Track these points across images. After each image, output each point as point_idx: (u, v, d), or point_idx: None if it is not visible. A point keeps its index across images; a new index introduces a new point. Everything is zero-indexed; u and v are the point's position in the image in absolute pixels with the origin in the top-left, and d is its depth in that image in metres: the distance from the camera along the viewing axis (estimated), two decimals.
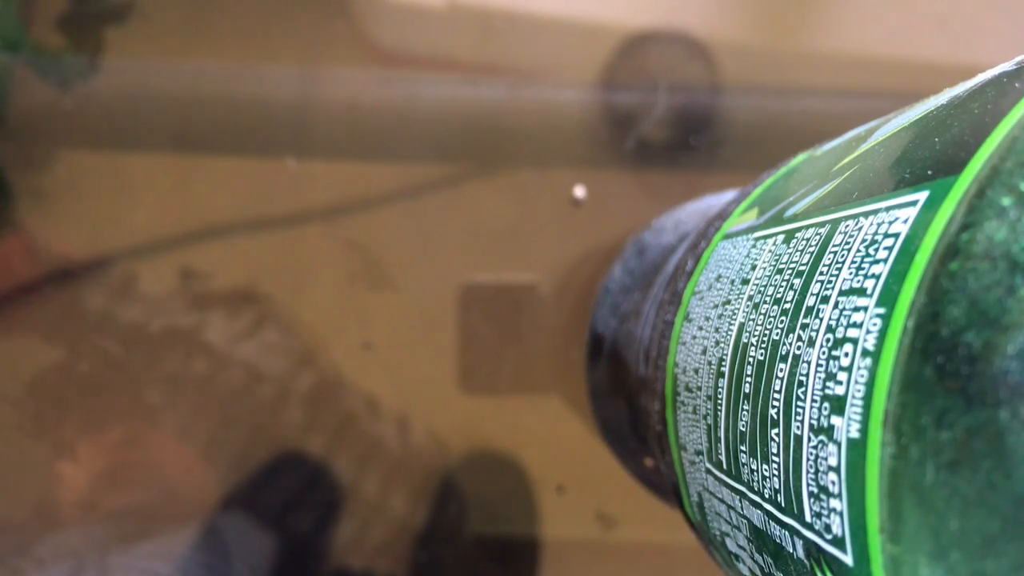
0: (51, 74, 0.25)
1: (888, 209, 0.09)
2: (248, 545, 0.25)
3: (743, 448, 0.10)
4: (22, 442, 0.25)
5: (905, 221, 0.08)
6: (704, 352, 0.12)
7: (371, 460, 0.26)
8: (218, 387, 0.26)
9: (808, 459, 0.09)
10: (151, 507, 0.25)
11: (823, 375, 0.09)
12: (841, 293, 0.09)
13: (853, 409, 0.08)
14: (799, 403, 0.09)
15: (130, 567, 0.25)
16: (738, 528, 0.11)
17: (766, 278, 0.11)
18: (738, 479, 0.11)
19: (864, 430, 0.08)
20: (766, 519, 0.10)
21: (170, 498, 0.26)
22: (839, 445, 0.08)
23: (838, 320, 0.09)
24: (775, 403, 0.10)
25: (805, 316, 0.09)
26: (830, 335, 0.09)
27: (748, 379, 0.10)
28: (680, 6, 0.27)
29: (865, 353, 0.08)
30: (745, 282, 0.12)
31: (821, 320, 0.09)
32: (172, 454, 0.25)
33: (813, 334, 0.09)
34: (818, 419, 0.09)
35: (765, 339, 0.10)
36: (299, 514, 0.26)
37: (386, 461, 0.26)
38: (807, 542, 0.09)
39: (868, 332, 0.08)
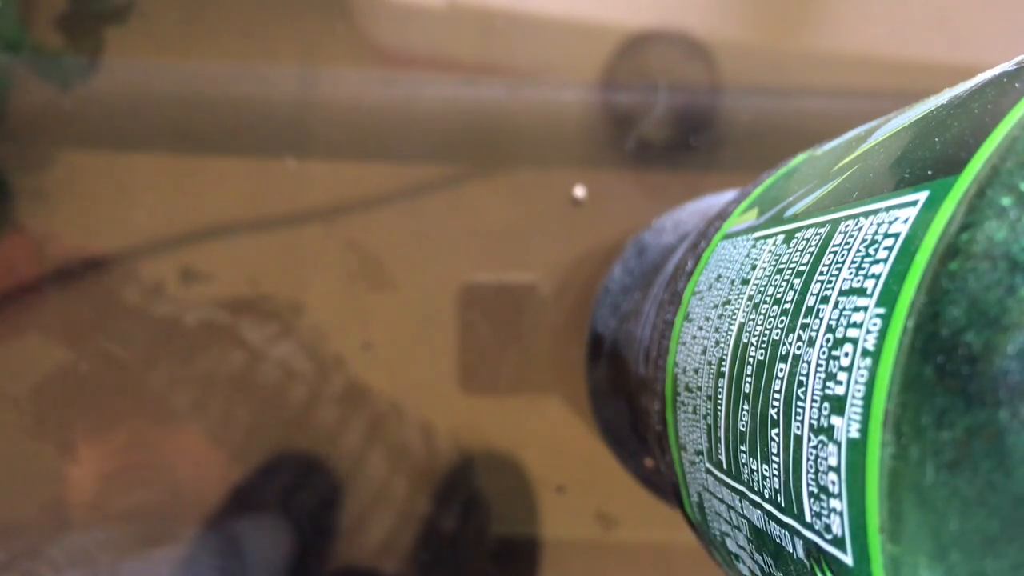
0: (51, 74, 0.25)
1: (888, 209, 0.09)
2: (264, 546, 0.25)
3: (743, 448, 0.10)
4: (27, 444, 0.25)
5: (905, 221, 0.08)
6: (704, 352, 0.12)
7: (399, 464, 0.26)
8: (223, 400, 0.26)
9: (808, 459, 0.09)
10: (161, 508, 0.25)
11: (823, 375, 0.09)
12: (841, 293, 0.09)
13: (853, 409, 0.08)
14: (799, 403, 0.09)
15: (145, 572, 0.25)
16: (738, 528, 0.11)
17: (766, 278, 0.11)
18: (738, 479, 0.11)
19: (864, 430, 0.08)
20: (766, 519, 0.10)
21: (179, 499, 0.26)
22: (839, 445, 0.08)
23: (838, 320, 0.09)
24: (775, 403, 0.10)
25: (805, 316, 0.09)
26: (830, 335, 0.09)
27: (748, 379, 0.10)
28: (680, 6, 0.27)
29: (865, 353, 0.08)
30: (745, 282, 0.12)
31: (821, 320, 0.09)
32: (182, 454, 0.25)
33: (813, 334, 0.09)
34: (818, 419, 0.09)
35: (765, 339, 0.10)
36: (313, 512, 0.26)
37: (410, 466, 0.26)
38: (807, 542, 0.09)
39: (868, 332, 0.08)
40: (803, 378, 0.09)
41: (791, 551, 0.09)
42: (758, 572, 0.11)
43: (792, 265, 0.10)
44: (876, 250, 0.08)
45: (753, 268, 0.11)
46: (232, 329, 0.26)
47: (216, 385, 0.26)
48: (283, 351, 0.26)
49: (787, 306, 0.10)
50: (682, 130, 0.27)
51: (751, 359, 0.10)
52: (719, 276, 0.13)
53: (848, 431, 0.08)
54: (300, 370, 0.26)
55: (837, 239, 0.09)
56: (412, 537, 0.26)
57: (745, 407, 0.10)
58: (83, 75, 0.25)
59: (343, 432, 0.26)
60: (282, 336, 0.26)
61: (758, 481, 0.10)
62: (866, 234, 0.09)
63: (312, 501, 0.26)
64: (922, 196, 0.08)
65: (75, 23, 0.25)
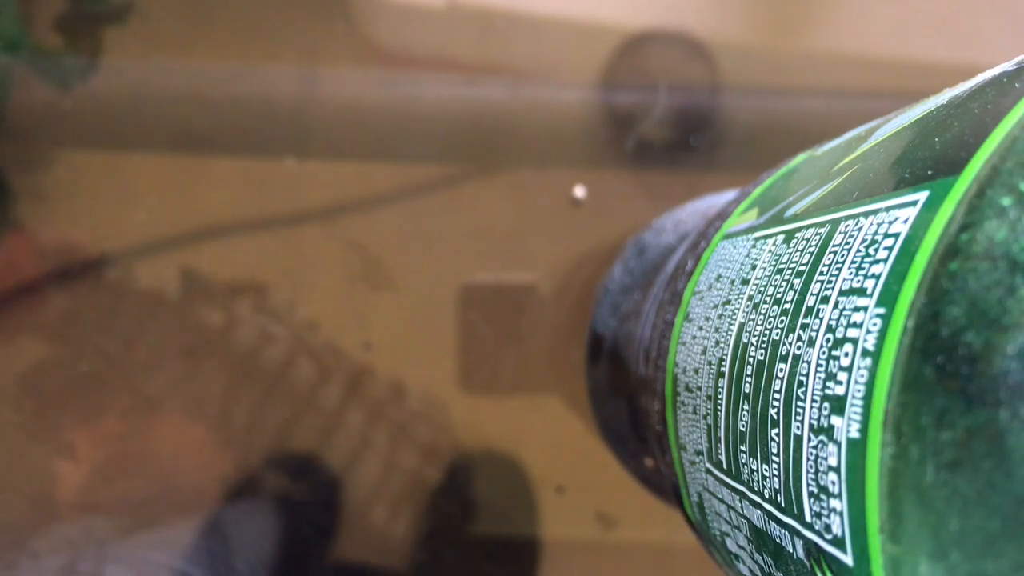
0: (51, 74, 0.25)
1: (888, 209, 0.09)
2: (249, 529, 0.25)
3: (743, 448, 0.10)
4: (17, 439, 0.25)
5: (905, 221, 0.08)
6: (704, 352, 0.12)
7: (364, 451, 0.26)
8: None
9: (808, 459, 0.09)
10: (149, 499, 0.25)
11: (823, 375, 0.09)
12: (841, 293, 0.09)
13: (853, 409, 0.08)
14: (799, 403, 0.09)
15: (128, 556, 0.25)
16: (738, 528, 0.11)
17: (766, 278, 0.11)
18: (738, 479, 0.11)
19: (864, 430, 0.08)
20: (766, 519, 0.10)
21: (168, 490, 0.26)
22: (839, 445, 0.08)
23: (838, 320, 0.09)
24: (775, 403, 0.10)
25: (805, 316, 0.09)
26: (830, 335, 0.09)
27: (748, 379, 0.10)
28: (680, 6, 0.27)
29: (865, 353, 0.08)
30: (745, 282, 0.12)
31: (821, 320, 0.09)
32: (168, 444, 0.25)
33: (813, 334, 0.09)
34: (818, 419, 0.09)
35: (765, 339, 0.10)
36: (311, 510, 0.26)
37: (408, 464, 0.26)
38: (807, 542, 0.09)
39: (868, 332, 0.08)
40: (803, 378, 0.09)
41: (791, 551, 0.09)
42: (758, 572, 0.11)
43: (792, 265, 0.10)
44: (876, 250, 0.08)
45: (753, 268, 0.11)
46: (230, 326, 0.26)
47: (214, 381, 0.26)
48: (282, 349, 0.26)
49: (787, 306, 0.10)
50: (682, 130, 0.27)
51: (751, 359, 0.10)
52: (719, 276, 0.13)
53: (848, 431, 0.08)
54: (300, 369, 0.26)
55: (837, 239, 0.09)
56: (411, 536, 0.26)
57: (745, 407, 0.10)
58: (83, 75, 0.25)
59: (341, 430, 0.26)
60: (282, 335, 0.26)
61: (758, 481, 0.10)
62: (866, 234, 0.09)
63: (310, 499, 0.26)
64: (922, 196, 0.08)
65: (74, 23, 0.25)
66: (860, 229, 0.09)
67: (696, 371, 0.12)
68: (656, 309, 0.17)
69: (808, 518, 0.09)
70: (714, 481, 0.12)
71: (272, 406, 0.26)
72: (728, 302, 0.12)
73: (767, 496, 0.10)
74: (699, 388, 0.12)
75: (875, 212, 0.09)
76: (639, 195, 0.27)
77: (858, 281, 0.08)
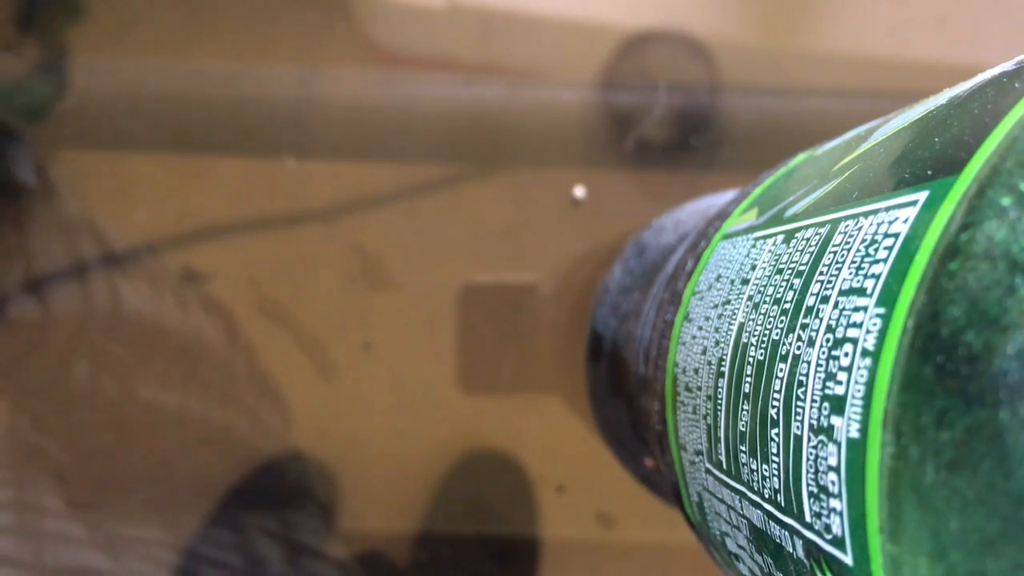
0: (19, 105, 0.24)
1: (888, 209, 0.09)
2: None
3: (743, 448, 0.10)
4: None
5: (905, 221, 0.08)
6: (704, 352, 0.12)
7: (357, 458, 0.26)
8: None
9: (808, 459, 0.09)
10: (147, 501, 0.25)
11: (823, 375, 0.09)
12: (841, 293, 0.09)
13: (853, 409, 0.08)
14: (799, 403, 0.09)
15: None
16: (738, 528, 0.11)
17: (766, 278, 0.11)
18: (738, 479, 0.11)
19: (864, 430, 0.08)
20: (766, 519, 0.10)
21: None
22: (839, 445, 0.08)
23: (838, 320, 0.09)
24: (775, 403, 0.10)
25: (805, 316, 0.09)
26: (830, 335, 0.09)
27: (748, 379, 0.10)
28: (680, 6, 0.27)
29: (865, 353, 0.08)
30: (745, 282, 0.12)
31: (821, 320, 0.09)
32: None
33: (813, 334, 0.09)
34: (818, 419, 0.09)
35: (765, 339, 0.10)
36: (301, 494, 0.26)
37: (410, 465, 0.26)
38: (807, 542, 0.09)
39: (868, 332, 0.08)
40: (803, 378, 0.09)
41: (791, 551, 0.09)
42: (758, 572, 0.11)
43: (792, 265, 0.10)
44: (876, 250, 0.08)
45: (753, 268, 0.11)
46: (230, 326, 0.26)
47: (213, 381, 0.26)
48: (280, 348, 0.26)
49: (787, 306, 0.10)
50: (682, 130, 0.27)
51: (751, 359, 0.10)
52: (719, 276, 0.13)
53: (848, 431, 0.08)
54: (297, 367, 0.26)
55: (837, 239, 0.09)
56: (411, 536, 0.26)
57: (745, 407, 0.10)
58: (55, 95, 0.25)
59: (340, 428, 0.26)
60: (279, 334, 0.26)
61: (758, 481, 0.10)
62: (866, 234, 0.09)
63: (310, 499, 0.26)
64: (922, 196, 0.08)
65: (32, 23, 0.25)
66: (860, 229, 0.09)
67: (696, 371, 0.12)
68: (656, 309, 0.17)
69: (808, 518, 0.09)
70: (714, 481, 0.12)
71: (270, 405, 0.26)
72: (728, 302, 0.12)
73: (767, 496, 0.10)
74: (699, 388, 0.12)
75: (875, 212, 0.09)
76: (639, 195, 0.27)
77: (858, 281, 0.08)
